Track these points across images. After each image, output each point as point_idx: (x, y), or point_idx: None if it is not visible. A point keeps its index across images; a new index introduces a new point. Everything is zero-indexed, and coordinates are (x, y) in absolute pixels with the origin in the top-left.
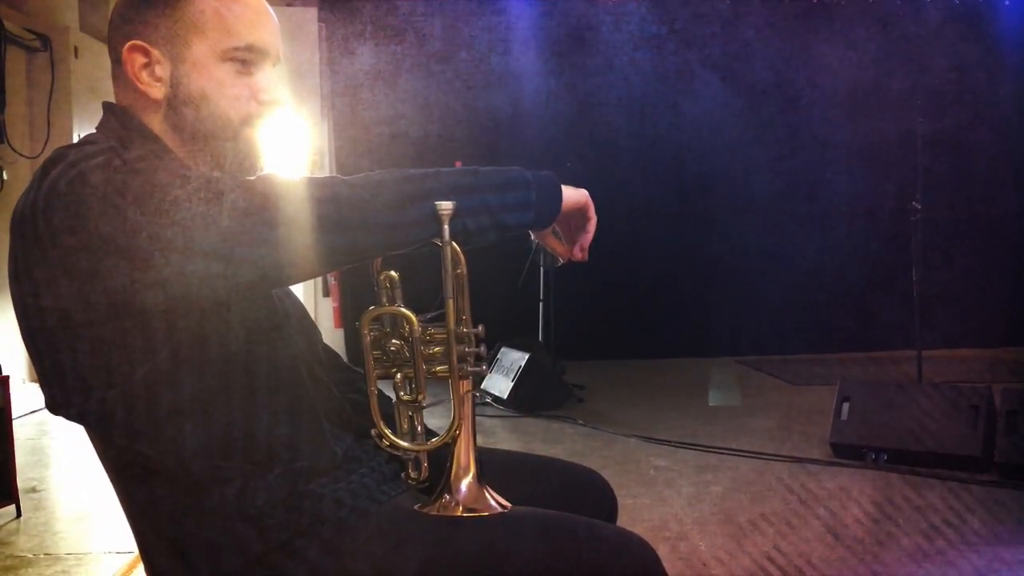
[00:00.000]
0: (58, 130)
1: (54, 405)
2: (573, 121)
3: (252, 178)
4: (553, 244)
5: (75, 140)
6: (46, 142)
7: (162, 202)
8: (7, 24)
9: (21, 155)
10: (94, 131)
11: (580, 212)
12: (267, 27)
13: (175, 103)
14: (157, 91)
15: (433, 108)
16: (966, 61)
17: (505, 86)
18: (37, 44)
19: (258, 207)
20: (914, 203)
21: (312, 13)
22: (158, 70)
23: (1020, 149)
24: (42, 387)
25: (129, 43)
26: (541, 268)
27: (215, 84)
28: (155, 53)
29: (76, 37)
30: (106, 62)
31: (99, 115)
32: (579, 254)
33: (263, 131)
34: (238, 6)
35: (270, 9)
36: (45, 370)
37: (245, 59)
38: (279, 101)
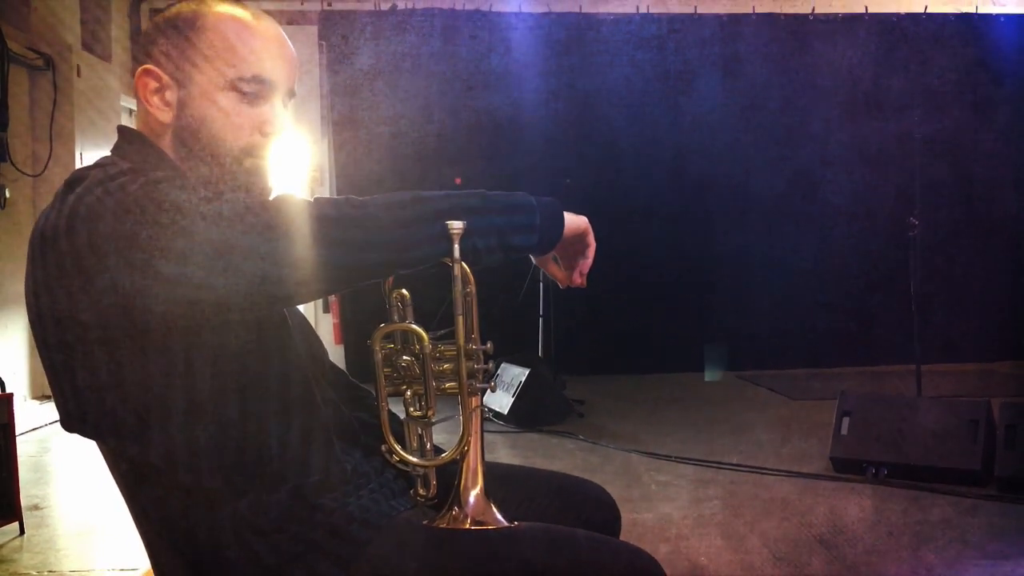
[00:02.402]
0: (60, 148)
1: (69, 421)
2: (573, 121)
3: (268, 198)
4: (553, 270)
5: (77, 158)
6: (48, 160)
7: (179, 221)
8: (10, 43)
9: (24, 173)
10: (109, 154)
11: (580, 238)
12: (280, 60)
13: (180, 127)
14: (165, 115)
15: (433, 108)
16: (966, 63)
17: (505, 86)
18: (40, 63)
19: (273, 226)
20: (911, 219)
21: (312, 32)
22: (168, 95)
23: (1019, 160)
24: (57, 404)
25: (143, 67)
26: (541, 284)
27: (217, 111)
28: (166, 78)
29: (79, 56)
30: (108, 81)
31: (101, 134)
32: (578, 279)
33: (268, 160)
34: (252, 37)
35: (288, 43)
36: (62, 386)
37: (250, 90)
38: (280, 134)
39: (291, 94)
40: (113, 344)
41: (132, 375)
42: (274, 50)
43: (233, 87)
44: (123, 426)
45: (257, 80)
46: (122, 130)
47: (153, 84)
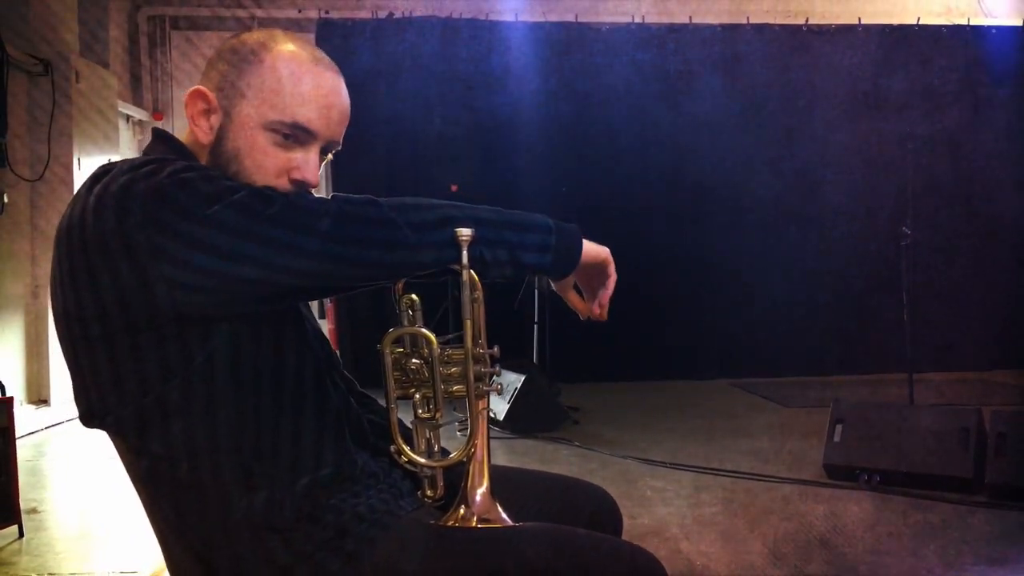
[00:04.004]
0: (58, 153)
1: (90, 415)
2: (573, 121)
3: (292, 194)
4: (574, 300)
5: (75, 162)
6: (46, 166)
7: (202, 210)
8: (9, 48)
9: (22, 178)
10: (141, 155)
11: (600, 268)
12: (326, 111)
13: (216, 153)
14: (205, 136)
15: (430, 114)
16: (960, 72)
17: (505, 86)
18: (39, 69)
19: (291, 218)
20: (904, 228)
21: (308, 40)
22: (213, 118)
23: (1016, 175)
24: (77, 398)
25: (195, 88)
26: (536, 291)
27: (250, 148)
28: (214, 102)
29: (77, 62)
30: (106, 86)
31: (99, 139)
32: (597, 310)
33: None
34: (304, 83)
35: (342, 95)
36: (84, 379)
37: (288, 134)
38: (310, 183)
39: (334, 146)
40: (134, 334)
41: (153, 368)
42: (323, 101)
43: (271, 128)
44: (144, 420)
45: (296, 127)
46: (156, 132)
47: (201, 105)
